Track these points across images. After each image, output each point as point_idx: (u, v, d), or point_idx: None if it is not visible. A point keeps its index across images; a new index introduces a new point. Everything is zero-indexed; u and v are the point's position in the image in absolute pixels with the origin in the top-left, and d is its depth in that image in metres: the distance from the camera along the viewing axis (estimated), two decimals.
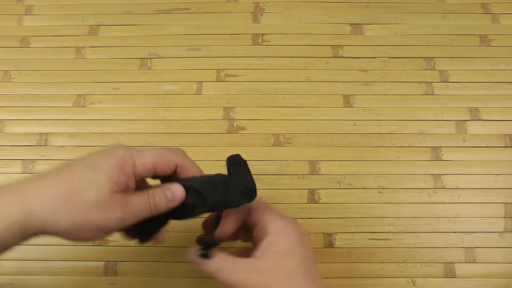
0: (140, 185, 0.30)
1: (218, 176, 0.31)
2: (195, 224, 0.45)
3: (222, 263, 0.30)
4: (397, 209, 0.45)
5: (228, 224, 0.32)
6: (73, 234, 0.26)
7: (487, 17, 0.53)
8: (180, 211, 0.30)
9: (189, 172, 0.30)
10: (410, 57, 0.51)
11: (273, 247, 0.30)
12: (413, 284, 0.42)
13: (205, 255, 0.31)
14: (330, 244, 0.43)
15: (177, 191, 0.29)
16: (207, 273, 0.31)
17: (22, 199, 0.25)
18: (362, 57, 0.51)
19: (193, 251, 0.31)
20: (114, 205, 0.26)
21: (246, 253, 0.33)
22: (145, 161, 0.28)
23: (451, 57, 0.51)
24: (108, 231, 0.28)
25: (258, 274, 0.29)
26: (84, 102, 0.50)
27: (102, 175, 0.26)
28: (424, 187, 0.45)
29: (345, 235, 0.44)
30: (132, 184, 0.28)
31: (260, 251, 0.30)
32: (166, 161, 0.29)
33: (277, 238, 0.30)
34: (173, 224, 0.44)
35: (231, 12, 0.54)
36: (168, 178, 0.31)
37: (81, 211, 0.25)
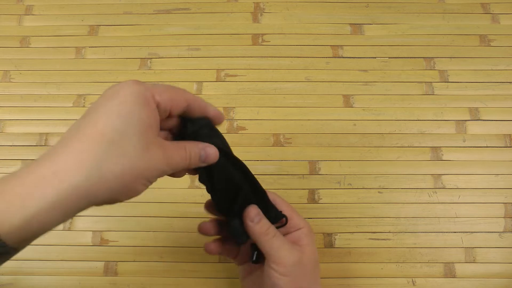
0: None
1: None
2: (194, 224, 0.45)
3: (268, 237, 0.32)
4: (397, 209, 0.45)
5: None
6: (125, 193, 0.24)
7: (487, 17, 0.53)
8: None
9: (201, 104, 0.28)
10: (410, 57, 0.51)
11: (308, 238, 0.34)
12: (413, 284, 0.42)
13: (258, 258, 0.34)
14: (330, 244, 0.43)
15: (211, 153, 0.28)
16: (254, 232, 0.31)
17: (56, 177, 0.22)
18: (362, 57, 0.51)
19: (254, 210, 0.32)
20: (156, 151, 0.25)
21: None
22: (161, 92, 0.25)
23: (451, 57, 0.51)
24: (154, 179, 0.26)
25: (299, 253, 0.32)
26: (84, 102, 0.50)
27: (131, 120, 0.23)
28: (424, 187, 0.45)
29: (345, 235, 0.44)
30: (159, 121, 0.26)
31: (295, 238, 0.34)
32: (179, 94, 0.27)
33: (309, 231, 0.34)
34: (173, 224, 0.45)
35: (231, 12, 0.54)
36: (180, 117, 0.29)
37: (125, 168, 0.23)
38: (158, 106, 0.25)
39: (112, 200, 0.24)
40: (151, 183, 0.25)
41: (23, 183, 0.21)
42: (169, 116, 0.27)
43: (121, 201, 0.24)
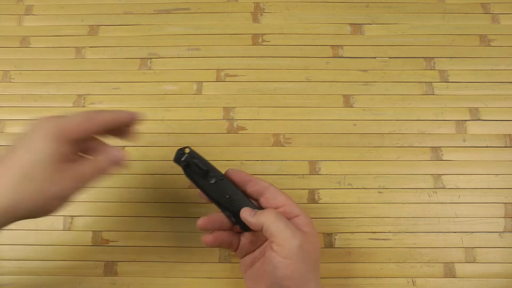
0: (95, 145, 0.34)
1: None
2: (194, 224, 0.45)
3: (274, 217, 0.33)
4: (397, 209, 0.45)
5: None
6: (41, 212, 0.29)
7: (487, 17, 0.53)
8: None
9: (114, 121, 0.33)
10: (410, 57, 0.51)
11: (310, 227, 0.35)
12: (413, 284, 0.42)
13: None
14: (330, 244, 0.43)
15: (118, 155, 0.33)
16: (254, 220, 0.34)
17: None
18: (362, 57, 0.51)
19: (247, 211, 0.35)
20: (67, 174, 0.30)
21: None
22: (73, 126, 0.30)
23: (451, 57, 0.51)
24: (69, 198, 0.30)
25: (302, 236, 0.33)
26: (84, 102, 0.50)
27: (42, 154, 0.29)
28: (424, 187, 0.45)
29: (345, 235, 0.44)
30: (74, 149, 0.31)
31: (296, 225, 0.35)
32: (93, 121, 0.31)
33: (310, 221, 0.36)
34: (173, 224, 0.45)
35: (231, 12, 0.54)
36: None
37: (38, 191, 0.28)
38: (70, 138, 0.30)
39: (32, 216, 0.29)
40: (66, 201, 0.30)
41: None
42: (89, 138, 0.33)
43: (38, 217, 0.30)
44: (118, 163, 0.33)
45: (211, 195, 0.37)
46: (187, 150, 0.37)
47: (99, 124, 0.32)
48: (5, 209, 0.28)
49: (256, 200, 0.38)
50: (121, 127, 0.35)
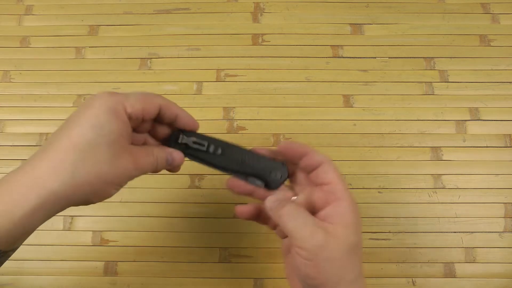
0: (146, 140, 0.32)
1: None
2: (194, 224, 0.45)
3: (292, 208, 0.29)
4: (397, 209, 0.45)
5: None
6: (98, 196, 0.27)
7: (487, 17, 0.53)
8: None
9: (173, 110, 0.31)
10: (410, 57, 0.51)
11: (345, 218, 0.29)
12: (413, 284, 0.42)
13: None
14: None
15: (176, 158, 0.31)
16: (273, 214, 0.30)
17: (37, 184, 0.25)
18: (362, 57, 0.51)
19: (270, 201, 0.31)
20: (126, 158, 0.27)
21: None
22: (133, 103, 0.28)
23: (451, 57, 0.51)
24: (124, 183, 0.28)
25: (323, 236, 0.28)
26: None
27: (102, 131, 0.26)
28: (424, 187, 0.45)
29: None
30: (130, 131, 0.28)
31: (328, 215, 0.29)
32: (151, 101, 0.29)
33: (349, 210, 0.29)
34: (173, 224, 0.45)
35: (231, 12, 0.54)
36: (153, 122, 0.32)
37: (96, 175, 0.26)
38: (129, 116, 0.28)
39: (87, 202, 0.27)
40: (122, 186, 0.28)
41: (10, 192, 0.25)
42: (144, 121, 0.30)
43: (94, 202, 0.27)
44: (173, 164, 0.31)
45: (224, 166, 0.33)
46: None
47: (161, 107, 0.29)
48: (60, 196, 0.25)
49: (308, 173, 0.32)
50: (173, 124, 0.32)
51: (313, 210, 0.30)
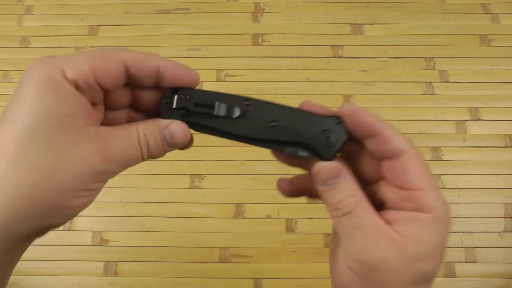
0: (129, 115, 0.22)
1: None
2: (194, 224, 0.45)
3: (350, 196, 0.20)
4: None
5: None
6: (55, 214, 0.18)
7: (487, 17, 0.53)
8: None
9: (149, 63, 0.20)
10: (410, 57, 0.51)
11: (426, 240, 0.20)
12: None
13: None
14: None
15: (177, 132, 0.21)
16: (325, 197, 0.21)
17: None
18: (362, 57, 0.51)
19: (321, 170, 0.21)
20: (83, 148, 0.18)
21: None
22: (76, 64, 0.19)
23: (451, 57, 0.51)
24: (94, 184, 0.19)
25: (389, 242, 0.19)
26: None
27: (36, 120, 0.17)
28: None
29: None
30: (87, 105, 0.19)
31: (399, 220, 0.20)
32: (106, 57, 0.19)
33: (436, 233, 0.20)
34: (173, 224, 0.45)
35: (231, 12, 0.54)
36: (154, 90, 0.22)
37: (34, 186, 0.17)
38: (76, 85, 0.18)
39: (42, 229, 0.18)
40: (93, 191, 0.19)
41: None
42: (107, 89, 0.20)
43: (57, 225, 0.19)
44: (175, 142, 0.21)
45: (247, 135, 0.22)
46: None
47: (129, 63, 0.20)
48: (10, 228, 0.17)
49: (379, 160, 0.21)
50: (160, 84, 0.21)
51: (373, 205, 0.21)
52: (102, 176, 0.19)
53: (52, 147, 0.18)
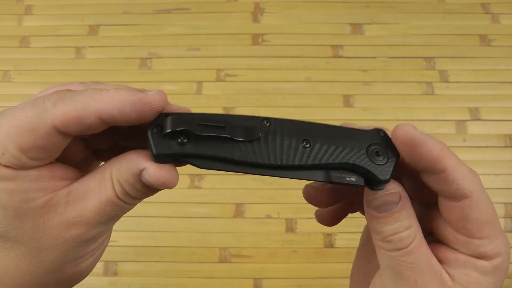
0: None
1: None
2: (194, 224, 0.45)
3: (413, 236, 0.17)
4: None
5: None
6: None
7: (487, 17, 0.53)
8: None
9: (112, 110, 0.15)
10: (410, 57, 0.51)
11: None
12: None
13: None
14: (330, 244, 0.43)
15: (152, 172, 0.16)
16: (378, 229, 0.17)
17: None
18: (362, 57, 0.51)
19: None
20: (59, 235, 0.16)
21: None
22: (5, 148, 0.15)
23: (451, 57, 0.51)
24: (71, 268, 0.17)
25: None
26: None
27: None
28: None
29: (345, 235, 0.44)
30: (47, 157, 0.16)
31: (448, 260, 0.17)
32: (36, 137, 0.15)
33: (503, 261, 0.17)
34: (173, 224, 0.45)
35: (231, 12, 0.54)
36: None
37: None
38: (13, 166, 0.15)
39: None
40: (89, 252, 0.17)
41: None
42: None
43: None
44: (155, 183, 0.16)
45: (275, 163, 0.17)
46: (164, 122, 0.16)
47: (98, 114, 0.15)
48: None
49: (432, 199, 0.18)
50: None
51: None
52: (91, 240, 0.17)
53: (23, 249, 0.16)
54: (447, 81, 0.50)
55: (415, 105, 0.49)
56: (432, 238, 0.18)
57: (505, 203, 0.45)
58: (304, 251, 0.43)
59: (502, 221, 0.44)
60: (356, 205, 0.21)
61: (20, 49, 0.52)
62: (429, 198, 0.18)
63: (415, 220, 0.17)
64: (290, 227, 0.44)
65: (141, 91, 0.16)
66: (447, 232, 0.17)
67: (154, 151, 0.15)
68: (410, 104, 0.49)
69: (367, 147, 0.17)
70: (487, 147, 0.47)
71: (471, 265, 0.17)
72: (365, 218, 0.18)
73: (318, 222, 0.21)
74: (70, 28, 0.53)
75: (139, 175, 0.16)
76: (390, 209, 0.17)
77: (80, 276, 0.18)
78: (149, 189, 0.16)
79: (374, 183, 0.17)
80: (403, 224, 0.17)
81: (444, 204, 0.17)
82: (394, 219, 0.17)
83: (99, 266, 0.43)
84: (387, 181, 0.17)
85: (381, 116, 0.48)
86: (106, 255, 0.43)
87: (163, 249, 0.44)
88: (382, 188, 0.17)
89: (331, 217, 0.22)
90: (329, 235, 0.44)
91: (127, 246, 0.44)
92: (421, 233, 0.17)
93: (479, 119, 0.48)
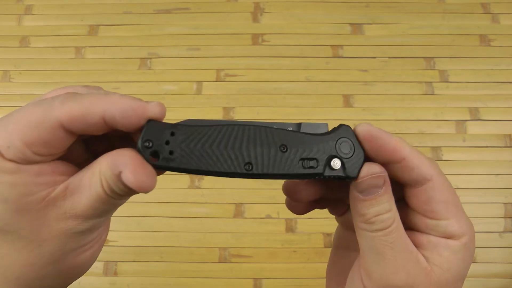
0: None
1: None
2: (194, 224, 0.45)
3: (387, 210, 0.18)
4: None
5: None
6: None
7: (487, 17, 0.53)
8: None
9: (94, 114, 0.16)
10: (410, 57, 0.51)
11: (451, 268, 0.20)
12: None
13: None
14: (330, 244, 0.43)
15: (129, 174, 0.16)
16: (362, 211, 0.18)
17: None
18: (362, 57, 0.51)
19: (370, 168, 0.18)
20: (56, 226, 0.16)
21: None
22: (10, 142, 0.15)
23: (451, 57, 0.51)
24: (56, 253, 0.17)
25: (417, 268, 0.18)
26: None
27: None
28: None
29: None
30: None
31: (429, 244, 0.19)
32: (41, 131, 0.16)
33: (462, 261, 0.20)
34: (173, 224, 0.45)
35: (231, 12, 0.54)
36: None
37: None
38: (18, 160, 0.16)
39: None
40: (86, 244, 0.18)
41: None
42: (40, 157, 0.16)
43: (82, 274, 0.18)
44: (136, 182, 0.16)
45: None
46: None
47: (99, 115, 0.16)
48: None
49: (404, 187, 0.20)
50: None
51: None
52: (87, 231, 0.17)
53: (23, 242, 0.16)
54: (447, 81, 0.50)
55: (415, 105, 0.49)
56: (405, 228, 0.19)
57: (505, 203, 0.45)
58: (304, 251, 0.43)
59: (502, 221, 0.44)
60: (325, 203, 0.23)
61: (20, 49, 0.52)
62: (396, 194, 0.19)
63: (394, 204, 0.19)
64: (290, 227, 0.44)
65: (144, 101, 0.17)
66: (417, 219, 0.20)
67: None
68: (410, 104, 0.49)
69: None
70: (487, 147, 0.47)
71: (442, 245, 0.19)
72: (349, 202, 0.19)
73: (288, 208, 0.23)
74: (70, 28, 0.53)
75: (118, 175, 0.16)
76: (374, 192, 0.18)
77: (80, 270, 0.19)
78: (130, 189, 0.17)
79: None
80: (385, 207, 0.18)
81: (410, 193, 0.20)
82: (377, 201, 0.18)
83: (99, 266, 0.43)
84: (356, 175, 0.18)
85: (381, 116, 0.48)
86: (106, 255, 0.43)
87: (163, 249, 0.44)
88: (355, 178, 0.18)
89: (301, 206, 0.23)
90: (329, 235, 0.44)
91: (127, 246, 0.44)
92: (399, 217, 0.19)
93: (479, 119, 0.48)
